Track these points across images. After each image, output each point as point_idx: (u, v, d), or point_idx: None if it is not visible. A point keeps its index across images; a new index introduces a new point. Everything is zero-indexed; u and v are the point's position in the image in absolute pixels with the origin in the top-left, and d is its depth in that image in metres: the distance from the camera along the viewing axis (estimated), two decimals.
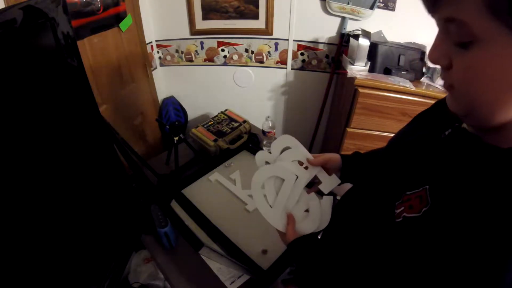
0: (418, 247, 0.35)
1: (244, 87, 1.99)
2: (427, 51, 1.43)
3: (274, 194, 0.63)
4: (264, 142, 1.40)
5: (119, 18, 1.43)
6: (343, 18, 1.58)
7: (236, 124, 1.40)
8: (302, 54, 1.78)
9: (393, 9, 1.51)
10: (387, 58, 1.41)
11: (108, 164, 0.89)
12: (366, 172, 0.64)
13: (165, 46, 1.91)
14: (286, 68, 1.85)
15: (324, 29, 1.66)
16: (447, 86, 0.35)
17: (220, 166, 1.27)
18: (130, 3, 1.52)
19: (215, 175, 1.20)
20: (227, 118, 1.46)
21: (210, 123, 1.41)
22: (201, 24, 1.76)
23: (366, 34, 1.36)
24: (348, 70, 1.43)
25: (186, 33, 1.82)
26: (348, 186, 0.68)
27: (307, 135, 2.03)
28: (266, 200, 0.63)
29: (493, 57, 0.28)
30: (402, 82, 1.33)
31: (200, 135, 1.32)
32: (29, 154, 0.61)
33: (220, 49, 1.86)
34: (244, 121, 1.43)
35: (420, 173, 0.41)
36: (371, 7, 1.49)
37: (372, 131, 1.46)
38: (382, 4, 1.50)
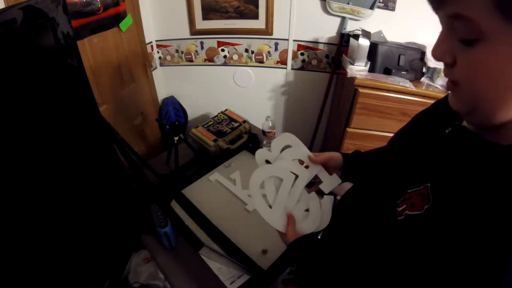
0: (420, 244, 0.35)
1: (244, 87, 1.99)
2: (427, 51, 1.43)
3: (273, 194, 0.62)
4: (264, 142, 1.40)
5: (119, 18, 1.43)
6: (343, 18, 1.58)
7: (236, 124, 1.40)
8: (302, 54, 1.78)
9: (393, 9, 1.51)
10: (387, 58, 1.41)
11: (108, 164, 0.89)
12: (367, 171, 0.64)
13: (165, 46, 1.91)
14: (286, 68, 1.85)
15: (324, 29, 1.66)
16: (450, 83, 0.35)
17: (220, 166, 1.27)
18: (130, 3, 1.52)
19: (215, 175, 1.20)
20: (227, 118, 1.46)
21: (210, 123, 1.41)
22: (201, 24, 1.76)
23: (366, 34, 1.36)
24: (348, 70, 1.43)
25: (186, 33, 1.82)
26: (348, 186, 0.68)
27: (307, 135, 2.03)
28: (265, 200, 0.62)
29: (498, 56, 0.28)
30: (402, 82, 1.33)
31: (200, 135, 1.32)
32: (29, 154, 0.61)
33: (220, 49, 1.86)
34: (244, 121, 1.43)
35: (421, 171, 0.41)
36: (371, 7, 1.49)
37: (372, 131, 1.46)
38: (382, 4, 1.50)
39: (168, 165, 1.34)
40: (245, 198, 1.09)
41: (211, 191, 1.14)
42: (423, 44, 1.46)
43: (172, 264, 0.90)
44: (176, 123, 1.28)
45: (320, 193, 0.65)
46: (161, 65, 1.99)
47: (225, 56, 1.88)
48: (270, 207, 0.62)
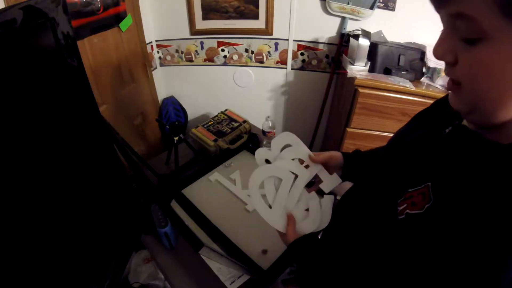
0: (421, 243, 0.35)
1: (244, 87, 1.99)
2: (427, 51, 1.43)
3: (273, 194, 0.62)
4: (264, 142, 1.40)
5: (119, 18, 1.43)
6: (343, 18, 1.58)
7: (236, 124, 1.40)
8: (302, 54, 1.78)
9: (393, 9, 1.51)
10: (387, 58, 1.41)
11: (108, 164, 0.89)
12: (367, 170, 0.64)
13: (165, 46, 1.91)
14: (286, 68, 1.85)
15: (324, 29, 1.66)
16: (451, 82, 0.35)
17: (220, 166, 1.27)
18: (130, 3, 1.52)
19: (215, 175, 1.20)
20: (227, 118, 1.46)
21: (210, 123, 1.41)
22: (201, 24, 1.76)
23: (366, 34, 1.36)
24: (348, 70, 1.43)
25: (186, 33, 1.82)
26: (348, 185, 0.68)
27: (307, 135, 2.03)
28: (265, 200, 0.62)
29: (500, 55, 0.28)
30: (402, 82, 1.33)
31: (200, 135, 1.32)
32: (29, 154, 0.61)
33: (220, 49, 1.86)
34: (244, 121, 1.43)
35: (422, 170, 0.41)
36: (371, 7, 1.49)
37: (372, 131, 1.46)
38: (382, 4, 1.50)
39: (168, 165, 1.34)
40: (245, 198, 1.09)
41: (211, 191, 1.14)
42: (423, 44, 1.46)
43: (172, 264, 0.90)
44: (176, 123, 1.28)
45: (320, 193, 0.65)
46: (161, 65, 1.99)
47: (225, 56, 1.88)
48: (270, 207, 0.62)
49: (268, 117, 1.47)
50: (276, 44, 1.77)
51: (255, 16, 1.68)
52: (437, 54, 0.34)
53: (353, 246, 0.52)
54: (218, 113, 1.50)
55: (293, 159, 0.64)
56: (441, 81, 1.36)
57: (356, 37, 1.39)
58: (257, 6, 1.65)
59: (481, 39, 0.28)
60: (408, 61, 1.41)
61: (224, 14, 1.70)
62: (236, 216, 1.03)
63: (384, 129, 1.44)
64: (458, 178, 0.35)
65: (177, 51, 1.92)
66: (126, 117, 1.61)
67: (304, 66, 1.82)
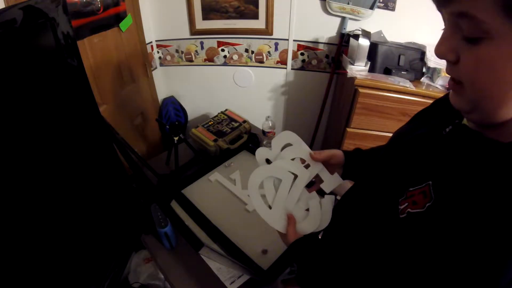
0: (422, 242, 0.35)
1: (244, 87, 1.99)
2: (427, 51, 1.43)
3: (273, 194, 0.62)
4: (264, 142, 1.40)
5: (119, 18, 1.43)
6: (343, 18, 1.58)
7: (236, 124, 1.40)
8: (302, 54, 1.78)
9: (393, 9, 1.51)
10: (387, 58, 1.41)
11: (108, 164, 0.89)
12: (368, 169, 0.64)
13: (165, 46, 1.91)
14: (286, 68, 1.85)
15: (324, 29, 1.66)
16: (452, 81, 0.35)
17: (220, 166, 1.27)
18: (130, 3, 1.52)
19: (215, 175, 1.20)
20: (227, 118, 1.46)
21: (210, 123, 1.41)
22: (201, 24, 1.76)
23: (366, 34, 1.36)
24: (348, 70, 1.43)
25: (186, 33, 1.82)
26: (348, 186, 0.68)
27: (307, 135, 2.03)
28: (264, 200, 0.62)
29: (502, 55, 0.28)
30: (402, 82, 1.33)
31: (200, 135, 1.32)
32: (29, 154, 0.61)
33: (220, 49, 1.86)
34: (244, 121, 1.43)
35: (422, 169, 0.41)
36: (371, 7, 1.49)
37: (372, 131, 1.46)
38: (382, 4, 1.50)
39: (168, 165, 1.33)
40: (245, 198, 1.09)
41: (211, 191, 1.14)
42: (423, 44, 1.46)
43: (172, 264, 0.90)
44: (176, 123, 1.28)
45: (321, 193, 0.64)
46: (161, 65, 1.99)
47: (225, 56, 1.88)
48: (270, 207, 0.62)
49: (268, 117, 1.47)
50: (276, 44, 1.77)
51: (255, 16, 1.68)
52: (439, 53, 0.34)
53: (354, 246, 0.52)
54: (218, 113, 1.50)
55: (293, 159, 0.63)
56: (441, 81, 1.36)
57: (356, 37, 1.39)
58: (257, 6, 1.65)
59: (483, 39, 0.29)
60: (408, 61, 1.41)
61: (224, 14, 1.70)
62: (236, 216, 1.03)
63: (384, 129, 1.44)
64: (459, 177, 0.35)
65: (177, 51, 1.92)
66: (126, 117, 1.61)
67: (304, 66, 1.82)
